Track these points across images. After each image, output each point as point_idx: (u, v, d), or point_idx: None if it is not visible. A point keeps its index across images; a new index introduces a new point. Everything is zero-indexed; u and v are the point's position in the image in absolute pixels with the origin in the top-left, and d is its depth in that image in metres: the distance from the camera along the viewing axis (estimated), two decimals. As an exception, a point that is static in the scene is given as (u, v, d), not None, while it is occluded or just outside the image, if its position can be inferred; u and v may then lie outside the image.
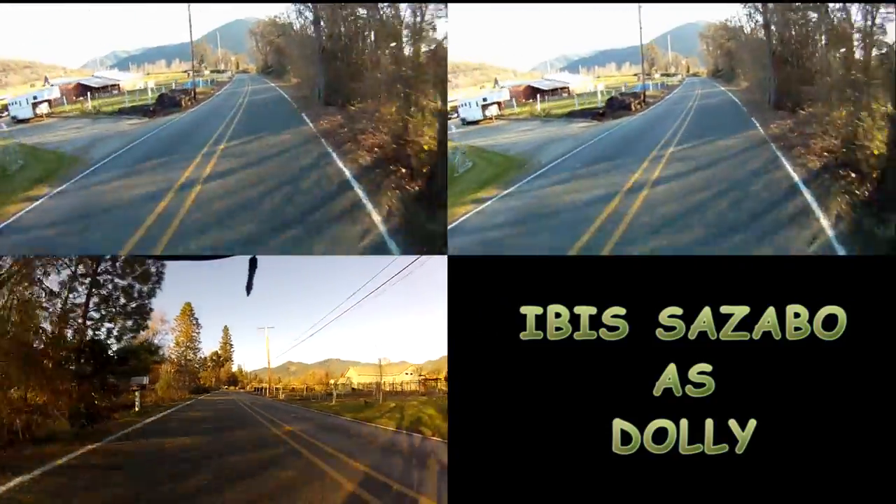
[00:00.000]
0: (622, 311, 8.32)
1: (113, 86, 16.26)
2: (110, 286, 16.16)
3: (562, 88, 17.73)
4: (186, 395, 15.32)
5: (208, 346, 18.78)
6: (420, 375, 21.08)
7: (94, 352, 14.59)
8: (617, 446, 8.30)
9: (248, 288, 7.05)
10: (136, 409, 13.86)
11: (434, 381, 20.53)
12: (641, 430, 8.26)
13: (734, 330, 8.23)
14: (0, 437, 12.38)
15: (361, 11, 16.38)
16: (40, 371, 13.56)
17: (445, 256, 9.79)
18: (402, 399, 20.35)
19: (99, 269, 16.23)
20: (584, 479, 8.39)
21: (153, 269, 16.95)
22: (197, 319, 18.54)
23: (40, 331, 14.24)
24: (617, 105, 19.12)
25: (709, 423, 8.22)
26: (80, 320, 15.23)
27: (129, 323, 16.08)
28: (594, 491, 8.37)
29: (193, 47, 16.96)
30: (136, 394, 14.36)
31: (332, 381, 21.18)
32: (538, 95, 17.59)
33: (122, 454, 12.92)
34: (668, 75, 19.01)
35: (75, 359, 14.26)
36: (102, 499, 9.64)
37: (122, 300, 16.09)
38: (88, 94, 16.08)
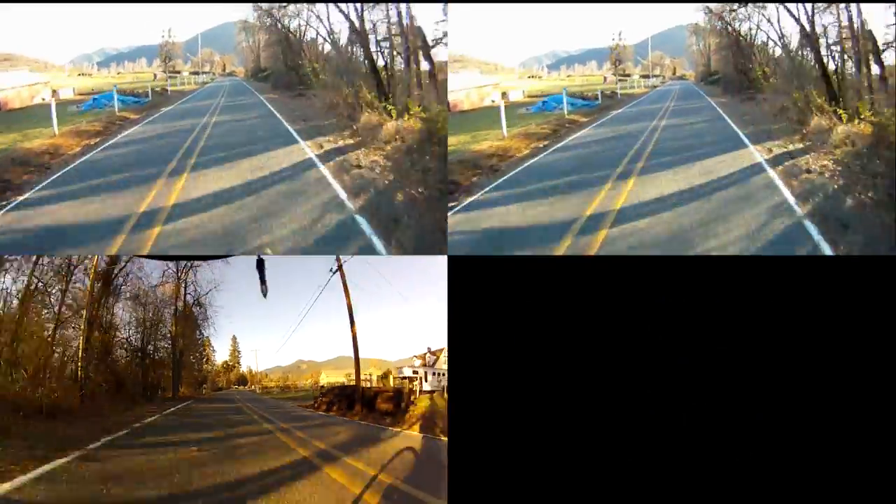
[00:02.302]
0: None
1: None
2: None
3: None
4: (211, 392, 24.77)
5: (221, 353, 26.05)
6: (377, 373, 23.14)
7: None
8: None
9: (264, 288, 7.02)
10: (204, 394, 24.49)
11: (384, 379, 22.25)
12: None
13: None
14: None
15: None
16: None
17: (445, 256, 9.73)
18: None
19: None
20: (583, 478, 8.45)
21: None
22: (213, 348, 25.14)
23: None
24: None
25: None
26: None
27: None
28: (594, 490, 8.42)
29: (168, 46, 14.28)
30: (204, 389, 24.35)
31: (312, 381, 25.84)
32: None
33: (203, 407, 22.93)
34: (646, 76, 16.33)
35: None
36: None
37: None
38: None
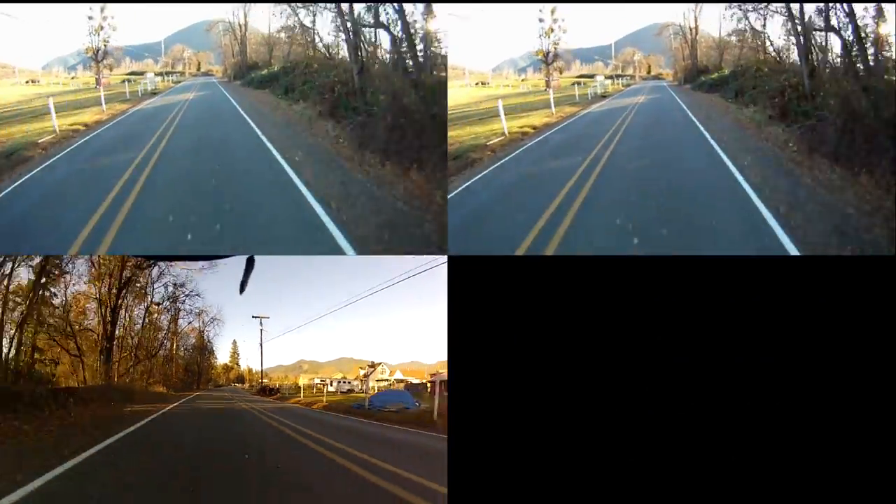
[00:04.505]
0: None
1: None
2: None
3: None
4: (214, 387, 33.44)
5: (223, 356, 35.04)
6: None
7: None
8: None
9: (243, 286, 7.29)
10: (210, 387, 33.13)
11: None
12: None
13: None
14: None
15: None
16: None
17: (445, 256, 9.70)
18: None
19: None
20: (583, 478, 8.58)
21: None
22: (216, 356, 34.68)
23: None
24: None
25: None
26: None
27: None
28: (594, 491, 8.56)
29: (100, 42, 11.98)
30: (210, 385, 33.19)
31: (297, 382, 33.49)
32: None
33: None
34: (620, 76, 14.52)
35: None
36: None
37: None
38: None
